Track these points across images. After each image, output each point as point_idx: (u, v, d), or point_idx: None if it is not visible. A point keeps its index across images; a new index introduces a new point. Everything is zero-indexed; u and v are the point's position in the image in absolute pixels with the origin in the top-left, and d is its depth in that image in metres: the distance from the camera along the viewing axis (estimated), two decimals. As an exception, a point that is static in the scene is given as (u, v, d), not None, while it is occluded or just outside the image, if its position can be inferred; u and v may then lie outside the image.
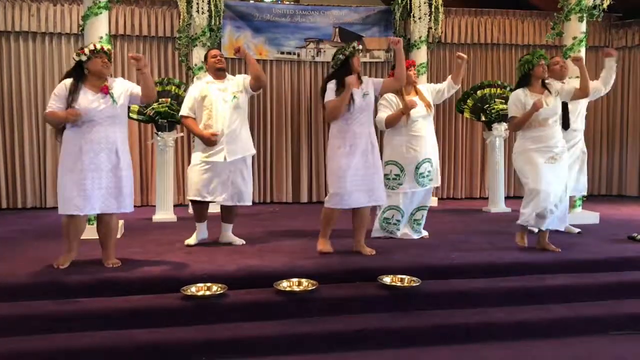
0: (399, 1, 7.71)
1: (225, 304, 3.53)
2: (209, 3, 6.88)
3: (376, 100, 4.68)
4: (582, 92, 4.62)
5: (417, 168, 4.87)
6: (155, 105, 6.05)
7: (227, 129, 4.54)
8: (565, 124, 5.07)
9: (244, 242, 4.79)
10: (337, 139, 4.34)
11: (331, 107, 4.27)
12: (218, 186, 4.57)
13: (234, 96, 4.61)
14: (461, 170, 8.58)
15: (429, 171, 4.94)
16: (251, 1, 8.70)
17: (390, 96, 4.87)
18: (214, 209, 5.01)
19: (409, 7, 7.61)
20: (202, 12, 6.81)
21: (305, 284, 3.70)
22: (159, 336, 3.28)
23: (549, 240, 4.55)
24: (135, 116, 6.23)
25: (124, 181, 3.92)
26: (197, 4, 6.78)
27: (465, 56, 4.93)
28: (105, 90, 3.87)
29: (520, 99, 4.45)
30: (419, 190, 4.95)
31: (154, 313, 3.44)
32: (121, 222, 5.42)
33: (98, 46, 3.91)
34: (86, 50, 3.87)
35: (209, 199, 4.61)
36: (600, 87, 5.44)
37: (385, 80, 4.53)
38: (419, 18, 7.51)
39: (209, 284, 3.63)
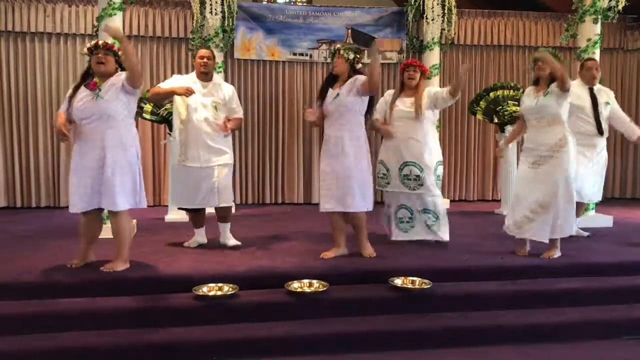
0: (412, 2, 7.70)
1: (236, 304, 3.55)
2: (222, 4, 6.91)
3: (371, 100, 4.41)
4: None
5: (400, 169, 4.77)
6: (168, 105, 6.07)
7: (197, 134, 4.44)
8: (600, 130, 5.22)
9: (239, 244, 4.72)
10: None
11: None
12: (198, 192, 4.52)
13: (215, 106, 4.50)
14: (473, 172, 8.52)
15: (416, 175, 4.69)
16: (264, 2, 8.73)
17: (385, 99, 4.87)
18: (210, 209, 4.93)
19: (421, 8, 7.62)
20: (216, 14, 6.85)
21: (316, 285, 3.71)
22: (170, 336, 3.30)
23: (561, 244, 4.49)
24: (148, 116, 6.26)
25: (111, 180, 3.71)
26: (211, 5, 6.82)
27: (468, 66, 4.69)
28: (92, 86, 3.75)
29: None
30: (412, 193, 4.78)
31: (165, 313, 3.47)
32: (134, 221, 5.44)
33: (94, 43, 3.81)
34: (85, 49, 3.84)
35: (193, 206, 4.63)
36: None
37: (364, 82, 4.17)
38: (432, 19, 7.50)
39: (220, 284, 3.65)
